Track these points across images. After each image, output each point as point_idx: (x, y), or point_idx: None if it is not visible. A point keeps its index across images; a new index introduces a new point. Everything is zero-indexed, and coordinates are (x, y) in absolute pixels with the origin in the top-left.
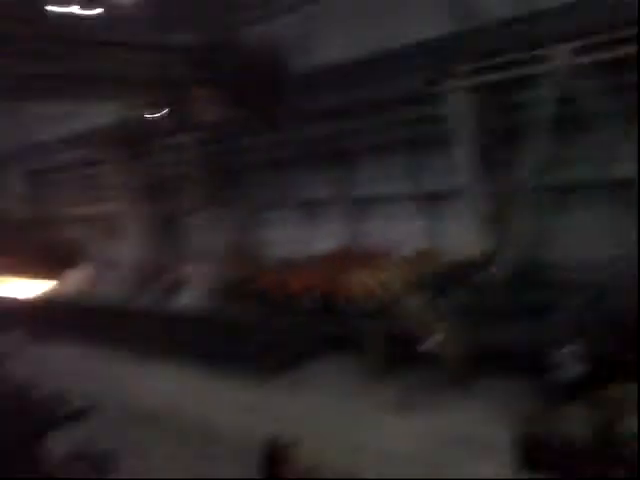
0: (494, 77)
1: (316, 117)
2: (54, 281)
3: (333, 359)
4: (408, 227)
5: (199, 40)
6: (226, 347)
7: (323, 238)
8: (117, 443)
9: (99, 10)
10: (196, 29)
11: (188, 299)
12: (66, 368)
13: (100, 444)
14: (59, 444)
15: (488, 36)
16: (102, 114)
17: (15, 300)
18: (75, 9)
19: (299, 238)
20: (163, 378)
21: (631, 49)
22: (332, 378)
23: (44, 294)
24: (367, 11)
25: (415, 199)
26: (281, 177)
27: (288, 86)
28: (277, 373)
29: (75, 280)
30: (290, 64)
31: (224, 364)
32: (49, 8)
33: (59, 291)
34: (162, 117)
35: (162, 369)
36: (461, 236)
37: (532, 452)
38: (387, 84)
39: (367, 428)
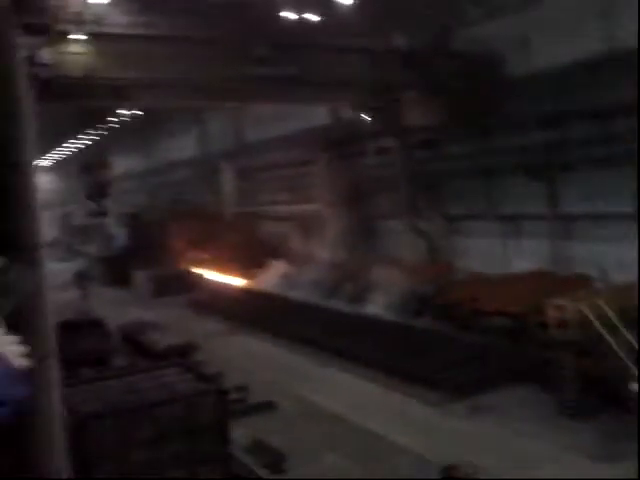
0: None
1: (529, 125)
2: (255, 273)
3: (520, 388)
4: (622, 251)
5: (413, 43)
6: (410, 359)
7: (523, 256)
8: (291, 442)
9: (318, 17)
10: (411, 32)
11: (377, 305)
12: (255, 359)
13: (276, 441)
14: (242, 434)
15: None
16: (313, 116)
17: (220, 288)
18: (294, 14)
19: (497, 253)
20: (343, 382)
21: None
22: (518, 409)
23: (245, 285)
24: (594, 9)
25: (635, 219)
26: (485, 187)
27: (502, 92)
28: (459, 394)
29: (273, 274)
30: (506, 68)
31: (405, 376)
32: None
33: (258, 283)
34: (371, 120)
35: (343, 372)
36: None
37: None
38: (612, 90)
39: (554, 470)
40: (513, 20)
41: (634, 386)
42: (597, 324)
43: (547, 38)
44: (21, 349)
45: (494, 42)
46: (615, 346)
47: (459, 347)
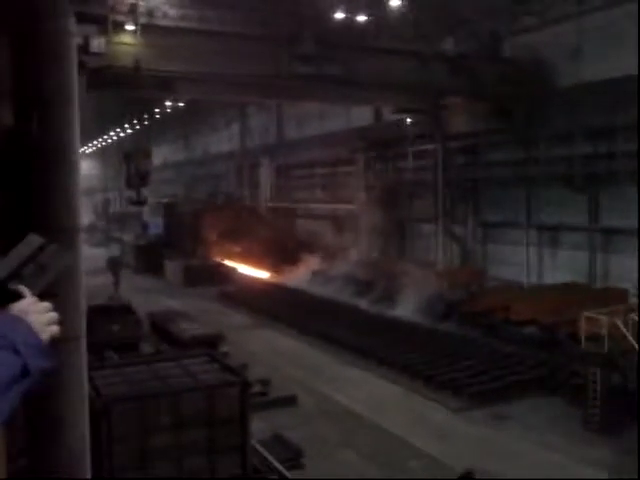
0: None
1: (576, 136)
2: (286, 269)
3: (545, 399)
4: None
5: (462, 48)
6: (434, 363)
7: (558, 267)
8: (310, 438)
9: (365, 17)
10: (460, 37)
11: (405, 307)
12: (279, 354)
13: (295, 436)
14: (261, 427)
15: None
16: (354, 116)
17: (250, 281)
18: (342, 15)
19: (532, 262)
20: (365, 382)
21: None
22: (541, 420)
23: (275, 280)
24: None
25: None
26: (524, 195)
27: (550, 101)
28: (482, 401)
29: (304, 271)
30: (555, 78)
31: (428, 380)
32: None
33: (288, 279)
34: (413, 123)
35: (367, 372)
36: None
37: None
38: None
39: None
40: (565, 30)
41: None
42: (631, 339)
43: (599, 50)
44: (52, 316)
45: (545, 51)
46: None
47: (486, 354)
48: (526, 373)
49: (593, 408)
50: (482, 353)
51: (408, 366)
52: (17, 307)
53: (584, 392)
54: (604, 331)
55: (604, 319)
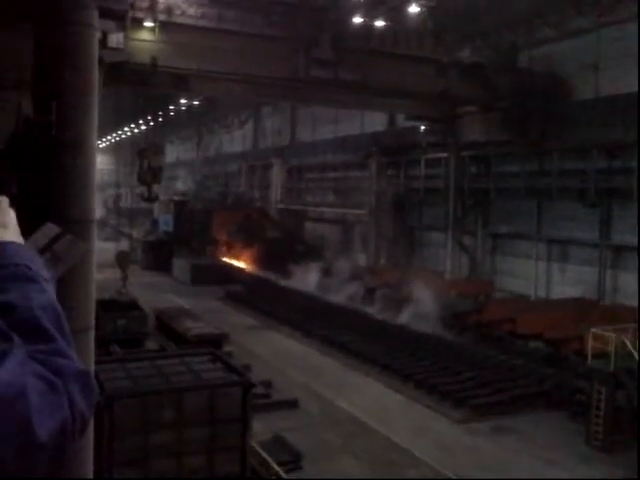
0: None
1: (588, 150)
2: (293, 271)
3: (548, 414)
4: None
5: (479, 58)
6: (438, 373)
7: (567, 281)
8: (309, 442)
9: (384, 23)
10: (477, 47)
11: (411, 315)
12: (283, 356)
13: (295, 439)
14: (262, 429)
15: None
16: (367, 122)
17: (256, 282)
18: (360, 19)
19: (540, 276)
20: (368, 389)
21: None
22: (542, 435)
23: (281, 282)
24: None
25: None
26: (535, 208)
27: (565, 114)
28: (484, 414)
29: (310, 274)
30: (570, 91)
31: (432, 390)
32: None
33: (295, 282)
34: (426, 130)
35: (370, 379)
36: None
37: None
38: None
39: None
40: (583, 43)
41: None
42: (638, 357)
43: (617, 64)
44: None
45: (562, 63)
46: None
47: (490, 366)
48: (530, 387)
49: (596, 426)
50: (487, 365)
51: (412, 374)
52: None
53: (588, 409)
54: (611, 348)
55: (611, 336)
